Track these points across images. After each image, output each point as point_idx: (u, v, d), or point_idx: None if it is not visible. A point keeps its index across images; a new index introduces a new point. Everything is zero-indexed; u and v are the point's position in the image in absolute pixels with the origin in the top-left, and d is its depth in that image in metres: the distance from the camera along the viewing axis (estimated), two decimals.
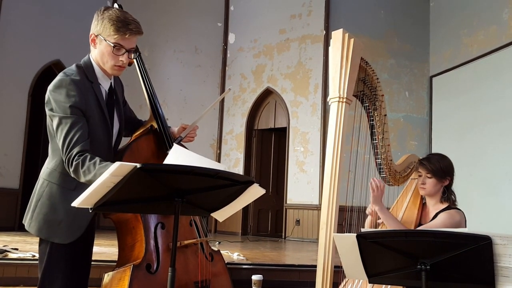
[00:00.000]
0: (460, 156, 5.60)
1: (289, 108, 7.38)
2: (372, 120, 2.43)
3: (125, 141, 2.09)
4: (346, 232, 1.68)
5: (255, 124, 7.91)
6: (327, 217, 2.20)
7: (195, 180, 1.42)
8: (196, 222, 2.19)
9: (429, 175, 2.36)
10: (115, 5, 2.10)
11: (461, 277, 1.47)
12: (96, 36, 1.81)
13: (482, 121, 6.26)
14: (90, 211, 1.41)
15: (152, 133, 2.19)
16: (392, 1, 7.53)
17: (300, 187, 7.08)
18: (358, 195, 2.51)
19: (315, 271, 2.22)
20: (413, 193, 2.57)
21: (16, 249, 3.84)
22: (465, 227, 2.28)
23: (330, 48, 2.36)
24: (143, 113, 2.23)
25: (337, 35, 2.32)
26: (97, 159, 1.67)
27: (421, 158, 2.51)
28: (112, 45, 1.78)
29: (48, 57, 6.85)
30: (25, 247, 4.03)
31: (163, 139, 2.18)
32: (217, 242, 5.50)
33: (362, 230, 1.56)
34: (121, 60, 1.81)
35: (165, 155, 2.16)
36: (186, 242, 2.04)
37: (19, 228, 6.04)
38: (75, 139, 1.70)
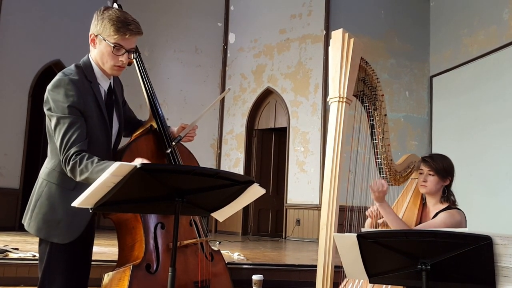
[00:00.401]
0: (460, 156, 5.59)
1: (289, 108, 7.38)
2: (372, 120, 2.42)
3: (124, 141, 2.09)
4: (347, 232, 1.68)
5: (255, 124, 7.91)
6: (328, 217, 2.20)
7: (195, 180, 1.42)
8: (196, 222, 2.19)
9: (431, 173, 2.36)
10: (115, 5, 2.10)
11: (462, 277, 1.47)
12: (96, 36, 1.81)
13: (483, 121, 6.26)
14: (90, 211, 1.41)
15: (152, 133, 2.19)
16: (392, 1, 7.53)
17: (300, 187, 7.07)
18: (358, 195, 2.50)
19: (315, 271, 2.22)
20: (413, 193, 2.57)
21: (17, 249, 3.84)
22: (466, 227, 2.28)
23: (330, 48, 2.36)
24: (143, 113, 2.23)
25: (337, 35, 2.32)
26: (95, 158, 1.67)
27: (421, 156, 2.51)
28: (112, 45, 1.78)
29: (48, 57, 6.85)
30: (25, 247, 4.03)
31: (163, 139, 2.18)
32: (218, 242, 5.50)
33: (363, 230, 1.56)
34: (120, 60, 1.81)
35: (164, 155, 2.16)
36: (185, 242, 2.04)
37: (20, 228, 6.04)
38: (72, 139, 1.70)
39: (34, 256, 3.52)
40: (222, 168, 7.73)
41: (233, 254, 4.35)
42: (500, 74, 6.05)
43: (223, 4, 8.29)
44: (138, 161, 1.58)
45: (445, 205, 2.37)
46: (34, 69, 6.71)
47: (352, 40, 2.29)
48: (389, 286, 2.17)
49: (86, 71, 1.84)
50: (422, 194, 2.51)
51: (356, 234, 1.53)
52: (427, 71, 7.54)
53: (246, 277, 3.28)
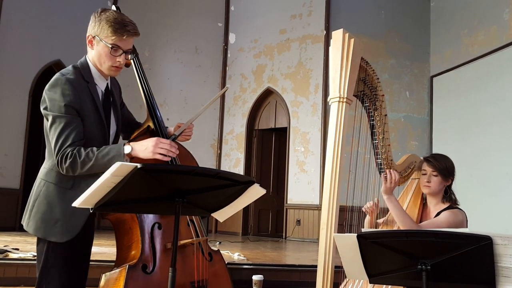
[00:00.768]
0: (460, 156, 5.60)
1: (289, 108, 7.38)
2: (373, 120, 2.42)
3: None
4: (347, 232, 1.68)
5: (255, 124, 7.91)
6: (328, 217, 2.20)
7: (195, 180, 1.42)
8: (194, 221, 2.19)
9: (435, 173, 2.35)
10: (113, 7, 2.11)
11: (462, 277, 1.47)
12: (93, 37, 1.83)
13: (483, 121, 6.26)
14: (91, 211, 1.41)
15: (149, 134, 2.19)
16: (392, 1, 7.53)
17: (300, 187, 7.08)
18: (358, 195, 2.50)
19: (315, 271, 2.22)
20: (414, 193, 2.57)
21: (17, 249, 3.84)
22: (467, 227, 2.28)
23: (330, 48, 2.36)
24: (143, 113, 2.22)
25: (337, 35, 2.32)
26: (93, 147, 1.71)
27: (423, 157, 2.50)
28: (110, 46, 1.80)
29: (48, 57, 6.85)
30: (25, 247, 4.03)
31: None
32: (218, 242, 5.50)
33: (363, 230, 1.56)
34: (118, 61, 1.84)
35: None
36: (182, 242, 2.03)
37: (20, 228, 6.01)
38: (69, 138, 1.72)
39: (34, 256, 3.52)
40: (222, 168, 7.73)
41: (233, 254, 4.35)
42: (501, 74, 6.05)
43: (223, 5, 8.30)
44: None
45: (446, 205, 2.37)
46: (34, 69, 6.71)
47: (352, 40, 2.29)
48: (389, 286, 2.16)
49: (83, 71, 1.86)
50: (422, 194, 2.50)
51: (356, 234, 1.53)
52: (428, 71, 7.54)
53: (246, 277, 3.28)
